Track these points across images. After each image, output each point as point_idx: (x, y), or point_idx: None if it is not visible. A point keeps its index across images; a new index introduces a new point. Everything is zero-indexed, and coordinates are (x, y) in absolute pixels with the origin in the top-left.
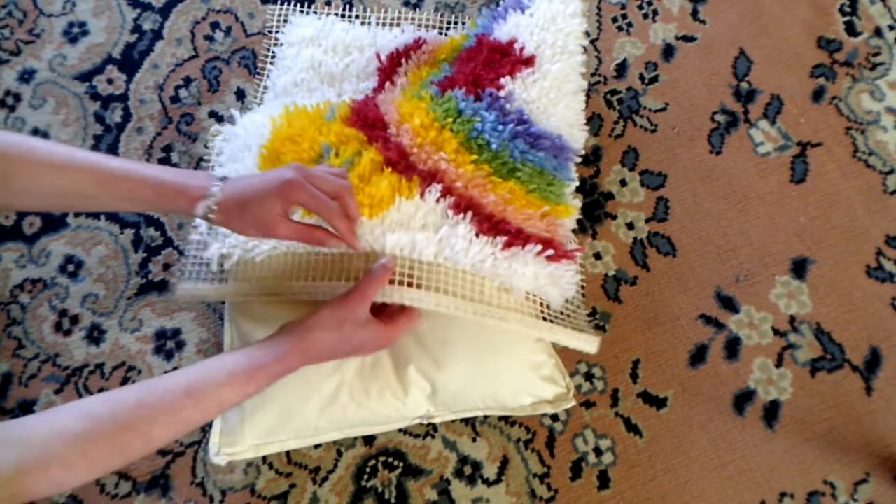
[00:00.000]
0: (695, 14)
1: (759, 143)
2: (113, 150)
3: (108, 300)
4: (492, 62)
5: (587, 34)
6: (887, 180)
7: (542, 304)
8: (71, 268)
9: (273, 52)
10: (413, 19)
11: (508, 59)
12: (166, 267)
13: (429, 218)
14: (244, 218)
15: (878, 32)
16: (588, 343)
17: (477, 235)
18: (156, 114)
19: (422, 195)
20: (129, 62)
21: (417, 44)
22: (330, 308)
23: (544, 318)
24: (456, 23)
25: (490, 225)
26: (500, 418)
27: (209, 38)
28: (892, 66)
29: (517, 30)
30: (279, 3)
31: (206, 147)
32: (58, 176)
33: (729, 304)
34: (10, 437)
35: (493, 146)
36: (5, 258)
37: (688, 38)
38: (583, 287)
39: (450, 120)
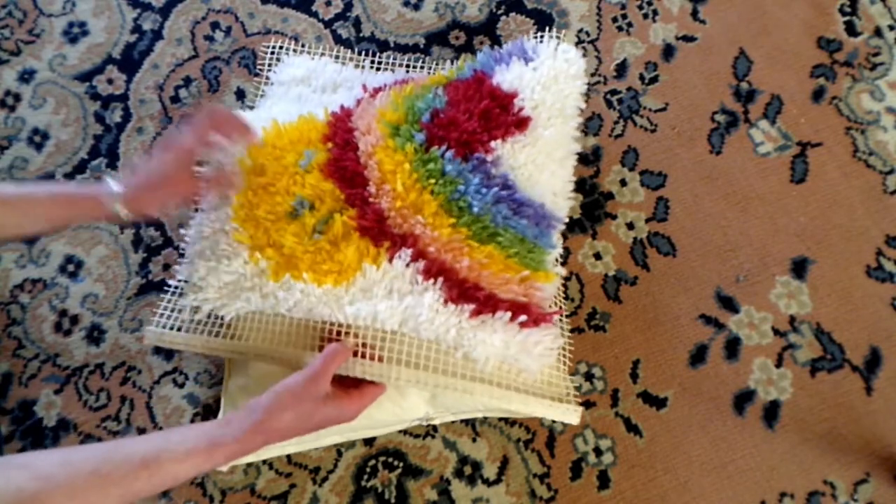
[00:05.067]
0: (695, 14)
1: (759, 143)
2: (113, 150)
3: (108, 300)
4: (490, 115)
5: (586, 95)
6: (887, 180)
7: (516, 373)
8: (71, 268)
9: (263, 91)
10: (407, 65)
11: (506, 117)
12: (166, 267)
13: (395, 284)
14: (157, 194)
15: (878, 32)
16: (568, 414)
17: (445, 303)
18: (156, 114)
19: (390, 260)
20: (129, 62)
21: (405, 81)
22: (289, 387)
23: (516, 389)
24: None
25: (460, 291)
26: (500, 418)
27: (209, 38)
28: (892, 66)
29: (521, 82)
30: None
31: None
32: None
33: (729, 304)
34: None
35: (475, 209)
36: (5, 258)
37: (688, 38)
38: (570, 348)
39: (432, 181)
